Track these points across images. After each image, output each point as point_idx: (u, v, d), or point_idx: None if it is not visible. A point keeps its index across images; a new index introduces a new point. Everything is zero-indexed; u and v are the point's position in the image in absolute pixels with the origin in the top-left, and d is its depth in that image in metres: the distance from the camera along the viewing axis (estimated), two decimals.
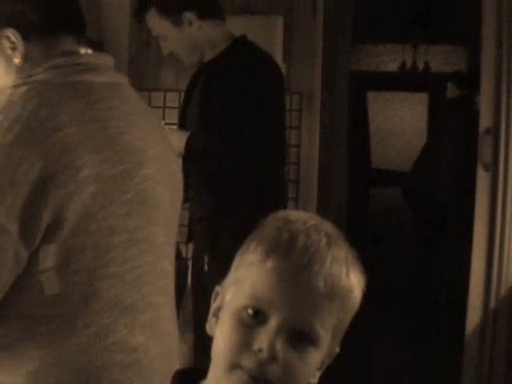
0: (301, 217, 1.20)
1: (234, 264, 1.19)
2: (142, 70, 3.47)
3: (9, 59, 1.69)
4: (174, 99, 3.70)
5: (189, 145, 2.63)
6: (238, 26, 3.06)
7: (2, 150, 1.46)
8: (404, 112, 8.43)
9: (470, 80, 6.43)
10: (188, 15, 2.76)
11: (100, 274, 1.55)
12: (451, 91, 7.53)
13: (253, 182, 2.70)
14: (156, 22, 2.79)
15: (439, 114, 7.48)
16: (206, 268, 2.68)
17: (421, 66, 7.98)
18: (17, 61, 1.67)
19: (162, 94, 3.83)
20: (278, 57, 3.69)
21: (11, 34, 1.66)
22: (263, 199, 2.72)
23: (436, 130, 7.03)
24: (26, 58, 1.68)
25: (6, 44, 1.67)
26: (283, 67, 3.66)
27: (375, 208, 7.86)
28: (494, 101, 3.61)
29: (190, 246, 3.02)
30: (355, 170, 6.21)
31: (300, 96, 3.89)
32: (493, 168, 3.59)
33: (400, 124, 8.42)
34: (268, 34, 3.70)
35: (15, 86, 1.59)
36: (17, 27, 1.67)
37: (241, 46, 2.86)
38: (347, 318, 1.18)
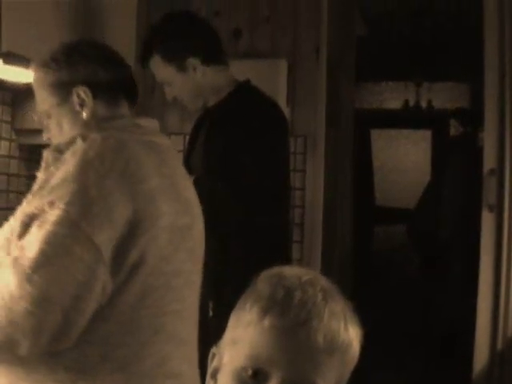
0: (295, 272, 1.20)
1: (230, 324, 1.18)
2: (148, 113, 3.48)
3: (77, 114, 1.89)
4: (178, 142, 3.71)
5: None
6: (241, 69, 3.07)
7: (101, 192, 1.64)
8: (407, 149, 8.44)
9: (472, 117, 6.45)
10: (192, 61, 2.77)
11: (166, 310, 1.78)
12: (454, 128, 7.55)
13: (257, 227, 2.69)
14: (160, 68, 2.80)
15: (443, 151, 7.49)
16: (210, 313, 2.67)
17: (424, 103, 8.00)
18: (85, 115, 1.87)
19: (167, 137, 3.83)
20: (282, 100, 3.70)
21: (82, 91, 1.87)
22: (268, 244, 2.72)
23: (440, 167, 7.04)
24: (92, 114, 1.87)
25: (75, 100, 1.87)
26: (287, 110, 3.67)
27: (379, 246, 7.84)
28: (497, 140, 3.61)
29: None
30: (359, 208, 6.21)
31: (304, 139, 3.89)
32: (498, 209, 3.59)
33: (404, 161, 8.42)
34: (271, 78, 3.72)
35: (89, 137, 1.75)
36: (88, 85, 1.86)
37: (244, 91, 2.87)
38: (347, 371, 1.17)
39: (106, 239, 1.63)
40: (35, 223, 1.65)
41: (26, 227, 1.68)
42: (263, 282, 1.18)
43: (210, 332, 2.54)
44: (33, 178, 3.32)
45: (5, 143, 3.23)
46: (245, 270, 2.65)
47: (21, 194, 3.32)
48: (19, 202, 3.25)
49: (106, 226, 1.63)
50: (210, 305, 2.64)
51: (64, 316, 1.61)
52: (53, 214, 1.63)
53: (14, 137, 3.29)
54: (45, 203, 1.66)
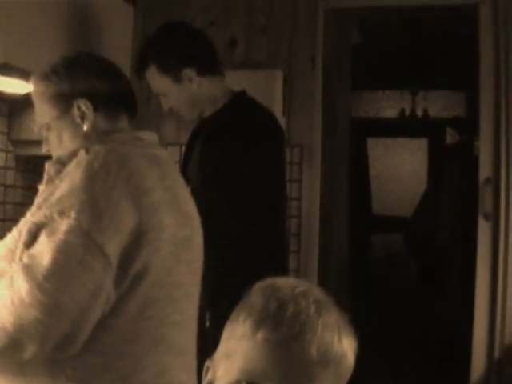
0: (289, 283, 1.19)
1: (224, 336, 1.18)
2: (143, 123, 3.48)
3: (77, 127, 1.90)
4: (175, 152, 3.71)
5: None
6: (237, 80, 3.08)
7: (109, 203, 1.67)
8: (404, 158, 8.45)
9: (468, 125, 6.46)
10: (188, 72, 2.78)
11: (166, 321, 1.80)
12: (450, 136, 7.57)
13: (254, 237, 2.69)
14: (156, 79, 2.80)
15: (439, 160, 7.50)
16: (207, 324, 2.67)
17: (420, 111, 8.02)
18: (85, 128, 1.89)
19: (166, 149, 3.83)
20: (278, 110, 3.71)
21: (83, 103, 1.89)
22: (265, 255, 2.72)
23: (436, 175, 7.05)
24: (92, 127, 1.89)
25: (76, 113, 1.89)
26: (283, 120, 3.68)
27: (376, 254, 7.84)
28: (493, 149, 3.62)
29: None
30: (356, 216, 6.21)
31: (300, 149, 3.90)
32: (494, 217, 3.59)
33: (400, 170, 8.44)
34: (267, 88, 3.72)
35: (92, 149, 1.77)
36: (89, 98, 1.88)
37: (240, 102, 2.87)
38: (342, 382, 1.17)
39: (114, 249, 1.66)
40: (44, 232, 1.67)
41: (33, 236, 1.70)
42: (256, 293, 1.18)
43: (208, 342, 2.56)
44: (29, 188, 3.35)
45: (1, 154, 3.24)
46: (242, 280, 2.66)
47: (17, 206, 3.33)
48: (15, 214, 3.27)
49: (115, 236, 1.66)
50: (207, 315, 2.64)
51: (72, 324, 1.63)
52: (63, 224, 1.65)
53: (10, 148, 3.29)
54: (54, 212, 1.67)
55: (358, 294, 5.33)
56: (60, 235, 1.64)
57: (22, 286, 1.62)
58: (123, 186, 1.70)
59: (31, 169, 3.44)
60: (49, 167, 1.88)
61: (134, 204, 1.71)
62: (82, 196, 1.67)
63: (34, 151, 3.23)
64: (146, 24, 3.88)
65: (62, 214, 1.66)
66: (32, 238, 1.70)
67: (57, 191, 1.72)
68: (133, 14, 3.53)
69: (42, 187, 1.88)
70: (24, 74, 2.52)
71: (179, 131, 3.94)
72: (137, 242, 1.70)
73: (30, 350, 1.63)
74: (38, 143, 3.03)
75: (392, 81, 7.63)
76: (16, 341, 1.63)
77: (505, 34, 3.62)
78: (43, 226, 1.68)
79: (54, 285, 1.61)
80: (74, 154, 1.81)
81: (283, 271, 2.88)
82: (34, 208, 1.79)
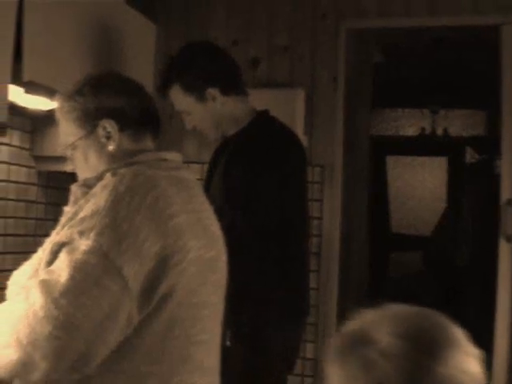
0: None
1: None
2: (165, 142, 3.49)
3: (102, 147, 1.91)
4: (196, 171, 3.73)
5: None
6: (259, 99, 3.09)
7: (132, 227, 1.68)
8: (423, 176, 8.41)
9: (488, 145, 6.44)
10: (212, 91, 2.79)
11: (193, 340, 1.82)
12: (470, 155, 7.55)
13: (276, 258, 2.69)
14: (179, 98, 2.82)
15: (459, 179, 7.48)
16: (228, 343, 2.66)
17: (440, 130, 7.99)
18: (111, 148, 1.89)
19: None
20: (300, 129, 3.72)
21: (108, 124, 1.89)
22: (286, 275, 2.72)
23: (456, 194, 7.03)
24: (118, 147, 1.90)
25: (101, 133, 1.90)
26: (304, 140, 3.68)
27: (395, 272, 7.81)
28: None
29: None
30: (375, 234, 6.19)
31: (322, 169, 3.90)
32: None
33: (419, 188, 8.39)
34: (290, 107, 3.74)
35: (119, 172, 1.79)
36: (114, 118, 1.89)
37: (263, 121, 2.88)
38: None
39: (133, 273, 1.66)
40: (64, 250, 1.69)
41: (54, 255, 1.71)
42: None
43: (227, 361, 2.56)
44: (51, 204, 3.36)
45: (24, 170, 3.26)
46: (263, 299, 2.67)
47: (39, 221, 3.35)
48: (37, 229, 3.29)
49: (135, 260, 1.66)
50: (228, 334, 2.64)
51: (86, 344, 1.63)
52: (83, 244, 1.66)
53: (32, 164, 3.31)
54: (75, 232, 1.69)
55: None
56: (79, 254, 1.65)
57: (38, 301, 1.63)
58: (148, 210, 1.71)
59: (53, 185, 3.46)
60: (75, 189, 1.89)
61: (158, 228, 1.71)
62: (105, 218, 1.68)
63: (56, 167, 3.25)
64: (169, 43, 3.91)
65: (82, 234, 1.67)
66: (54, 257, 1.71)
67: (81, 212, 1.73)
68: (155, 33, 3.54)
69: (67, 208, 1.89)
70: (48, 92, 2.53)
71: (201, 149, 3.96)
72: (162, 265, 1.70)
73: (40, 369, 1.63)
74: (60, 159, 3.06)
75: (412, 99, 7.62)
76: (29, 356, 1.62)
77: None
78: (64, 245, 1.69)
79: (69, 301, 1.62)
80: (100, 177, 1.82)
81: (304, 290, 2.88)
82: (58, 228, 1.80)
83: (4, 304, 1.76)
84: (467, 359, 1.14)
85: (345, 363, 1.17)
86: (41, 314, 1.62)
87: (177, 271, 1.74)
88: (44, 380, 1.67)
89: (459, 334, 1.18)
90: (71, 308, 1.61)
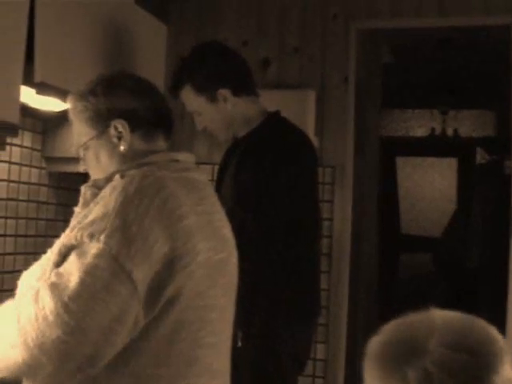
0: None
1: None
2: (176, 142, 3.50)
3: (114, 147, 1.91)
4: (207, 172, 3.72)
5: None
6: (269, 100, 3.08)
7: (141, 230, 1.67)
8: (433, 177, 8.39)
9: (499, 145, 6.42)
10: (223, 92, 2.79)
11: (201, 343, 1.80)
12: (480, 156, 7.53)
13: (287, 259, 2.69)
14: (191, 99, 2.82)
15: (469, 180, 7.45)
16: (239, 344, 2.66)
17: (450, 131, 7.98)
18: (122, 148, 1.89)
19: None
20: (311, 130, 3.72)
21: (120, 124, 1.89)
22: (297, 276, 2.72)
23: (466, 195, 7.01)
24: (129, 147, 1.89)
25: (113, 133, 1.89)
26: (315, 140, 3.68)
27: (405, 274, 7.79)
28: None
29: None
30: (385, 235, 6.18)
31: (332, 169, 3.90)
32: None
33: (429, 189, 8.38)
34: (300, 108, 3.74)
35: (128, 174, 1.79)
36: (126, 118, 1.89)
37: (274, 122, 2.88)
38: None
39: (142, 276, 1.65)
40: (74, 253, 1.68)
41: (63, 257, 1.71)
42: None
43: (238, 362, 2.56)
44: (62, 205, 3.37)
45: (35, 171, 3.26)
46: (274, 300, 2.67)
47: (49, 222, 3.36)
48: (48, 230, 3.30)
49: (144, 263, 1.65)
50: (239, 335, 2.64)
51: (94, 347, 1.63)
52: (93, 247, 1.66)
53: (43, 165, 3.31)
54: (84, 235, 1.68)
55: (387, 313, 5.27)
56: (89, 258, 1.65)
57: (47, 304, 1.63)
58: (157, 212, 1.70)
59: (64, 186, 3.46)
60: (85, 190, 1.89)
61: (167, 230, 1.70)
62: (114, 221, 1.67)
63: (67, 168, 3.26)
64: (180, 43, 3.91)
65: (92, 237, 1.67)
66: (62, 259, 1.71)
67: (90, 214, 1.73)
68: (166, 34, 3.54)
69: (77, 209, 1.89)
70: (59, 93, 2.54)
71: (211, 150, 3.96)
72: (170, 267, 1.70)
73: (48, 370, 1.64)
74: (71, 160, 3.06)
75: (422, 100, 7.60)
76: (35, 358, 1.63)
77: None
78: (73, 248, 1.69)
79: (78, 306, 1.62)
80: (109, 179, 1.82)
81: (315, 291, 2.88)
82: (67, 230, 1.80)
83: (13, 304, 1.76)
84: (510, 368, 1.13)
85: (393, 373, 1.14)
86: (51, 318, 1.62)
87: (185, 274, 1.72)
88: (50, 381, 1.68)
89: (503, 342, 1.17)
90: (81, 313, 1.62)
